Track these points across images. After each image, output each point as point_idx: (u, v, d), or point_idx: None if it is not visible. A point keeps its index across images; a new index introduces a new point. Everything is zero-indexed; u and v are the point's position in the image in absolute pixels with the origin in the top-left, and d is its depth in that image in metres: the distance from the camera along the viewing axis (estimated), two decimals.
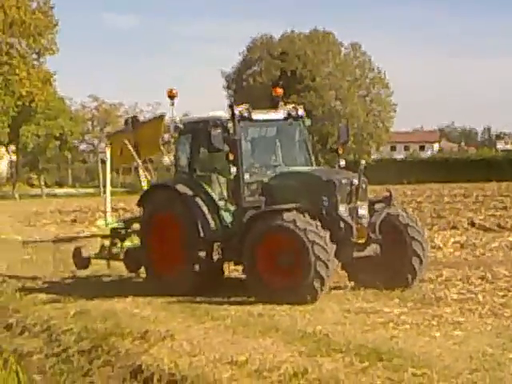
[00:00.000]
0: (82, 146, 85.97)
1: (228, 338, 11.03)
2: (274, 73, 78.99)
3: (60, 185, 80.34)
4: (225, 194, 14.80)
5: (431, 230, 23.70)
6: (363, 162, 14.32)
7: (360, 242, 13.60)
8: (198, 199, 14.58)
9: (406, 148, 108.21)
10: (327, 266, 12.91)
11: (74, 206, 43.53)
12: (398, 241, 13.97)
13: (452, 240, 20.92)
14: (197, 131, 15.03)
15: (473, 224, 25.14)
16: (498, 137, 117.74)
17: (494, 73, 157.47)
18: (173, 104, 15.49)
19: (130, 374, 9.18)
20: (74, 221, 34.10)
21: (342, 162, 15.32)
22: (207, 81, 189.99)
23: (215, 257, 14.39)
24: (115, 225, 17.68)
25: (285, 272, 13.32)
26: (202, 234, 14.37)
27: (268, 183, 14.49)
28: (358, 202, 13.83)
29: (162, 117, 17.97)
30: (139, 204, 15.88)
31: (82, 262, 17.11)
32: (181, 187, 14.74)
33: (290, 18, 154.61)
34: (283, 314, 12.41)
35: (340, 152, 15.43)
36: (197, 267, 14.33)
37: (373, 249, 13.82)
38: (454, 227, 24.56)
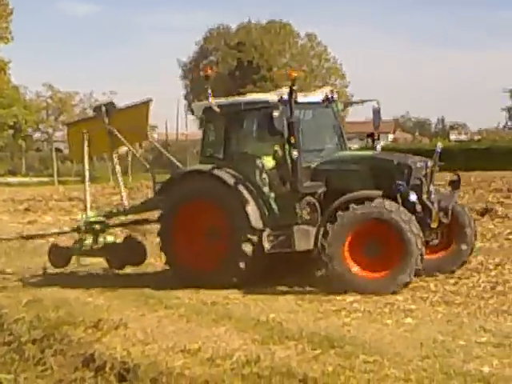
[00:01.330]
0: (36, 135, 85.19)
1: (181, 326, 11.04)
2: (230, 63, 79.02)
3: (13, 173, 79.41)
4: (268, 180, 14.00)
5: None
6: (440, 144, 14.17)
7: (433, 227, 13.36)
8: (241, 185, 13.84)
9: (361, 138, 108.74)
10: (422, 260, 12.75)
11: (28, 194, 42.96)
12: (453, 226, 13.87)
13: None
14: (237, 114, 14.45)
15: None
16: (452, 127, 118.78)
17: (450, 64, 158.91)
18: (206, 85, 14.40)
19: (82, 362, 9.09)
20: (28, 209, 33.68)
21: (379, 146, 15.18)
22: (164, 70, 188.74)
23: (267, 246, 13.57)
24: (93, 219, 16.51)
25: (375, 263, 12.92)
26: (252, 223, 13.64)
27: (322, 168, 14.01)
28: (431, 186, 13.66)
29: (148, 102, 16.97)
30: (160, 192, 14.96)
31: (60, 259, 15.99)
32: (221, 173, 13.96)
33: (247, 8, 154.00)
34: (237, 302, 12.47)
35: (375, 136, 15.26)
36: (246, 258, 13.60)
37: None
38: None
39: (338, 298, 12.38)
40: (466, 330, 10.21)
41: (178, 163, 16.27)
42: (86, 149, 16.52)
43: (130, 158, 61.43)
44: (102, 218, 16.60)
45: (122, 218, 17.13)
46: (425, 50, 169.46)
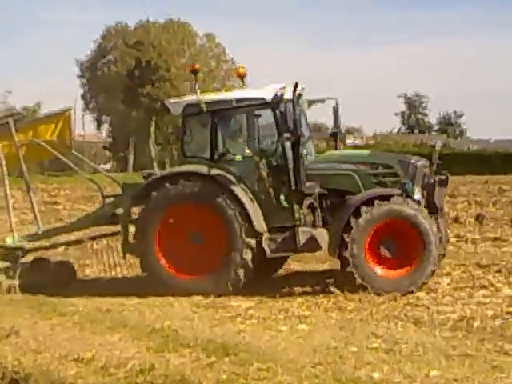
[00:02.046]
0: None
1: (75, 334, 10.92)
2: (128, 62, 78.32)
3: None
4: (264, 181, 13.56)
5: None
6: (440, 142, 14.21)
7: None
8: (238, 188, 13.37)
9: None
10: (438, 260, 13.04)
11: None
12: None
13: None
14: (227, 112, 14.04)
15: None
16: (348, 132, 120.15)
17: (347, 67, 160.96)
18: (196, 81, 14.24)
19: None
20: None
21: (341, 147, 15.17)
22: (61, 68, 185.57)
23: (268, 250, 13.30)
24: (20, 244, 15.03)
25: (395, 261, 13.12)
26: (255, 227, 13.26)
27: (316, 168, 13.82)
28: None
29: (68, 111, 16.19)
30: (139, 196, 14.00)
31: None
32: (215, 174, 13.40)
33: (147, 6, 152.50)
34: (132, 309, 12.41)
35: (339, 136, 15.21)
36: (245, 264, 13.20)
37: None
38: None
39: (234, 304, 12.51)
40: (358, 335, 10.39)
41: (74, 166, 15.92)
42: (4, 168, 15.50)
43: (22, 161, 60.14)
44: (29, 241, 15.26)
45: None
46: (321, 52, 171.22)
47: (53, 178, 59.66)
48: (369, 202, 13.01)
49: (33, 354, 9.81)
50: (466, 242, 19.15)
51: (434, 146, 14.98)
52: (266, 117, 13.89)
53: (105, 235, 15.26)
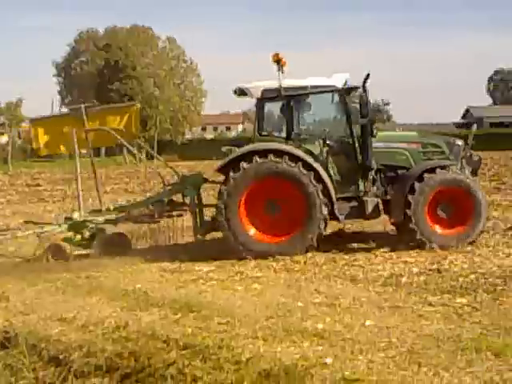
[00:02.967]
0: None
1: (58, 298, 10.79)
2: (99, 63, 77.68)
3: None
4: (337, 155, 13.62)
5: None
6: (475, 125, 14.35)
7: None
8: (315, 162, 13.16)
9: (215, 129, 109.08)
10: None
11: None
12: None
13: None
14: (303, 96, 13.83)
15: None
16: None
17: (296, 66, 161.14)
18: (279, 69, 13.38)
19: None
20: None
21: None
22: (39, 69, 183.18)
23: (341, 216, 13.36)
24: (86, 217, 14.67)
25: (451, 222, 13.26)
26: (331, 196, 13.12)
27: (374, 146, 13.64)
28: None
29: (136, 106, 16.04)
30: (221, 170, 13.51)
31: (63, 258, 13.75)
32: (294, 151, 13.12)
33: (114, 12, 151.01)
34: (107, 275, 12.25)
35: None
36: (319, 229, 13.03)
37: None
38: None
39: (197, 268, 12.42)
40: (304, 292, 10.43)
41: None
42: (76, 146, 15.06)
43: (10, 148, 59.50)
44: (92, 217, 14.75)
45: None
46: (263, 52, 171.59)
47: (35, 163, 59.08)
48: (430, 171, 13.19)
49: (21, 315, 9.71)
50: None
51: (470, 127, 15.13)
52: (334, 101, 13.81)
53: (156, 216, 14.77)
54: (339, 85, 13.57)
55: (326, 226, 13.27)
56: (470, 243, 13.16)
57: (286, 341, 8.05)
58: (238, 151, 13.43)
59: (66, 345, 8.11)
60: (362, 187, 13.57)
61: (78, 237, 14.31)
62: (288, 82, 13.56)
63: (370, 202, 13.48)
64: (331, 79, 13.73)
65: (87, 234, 14.32)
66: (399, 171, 13.78)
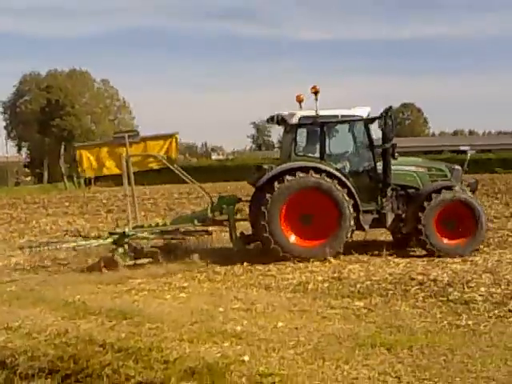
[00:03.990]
0: None
1: (4, 309, 10.41)
2: (41, 101, 76.41)
3: None
4: (362, 174, 13.91)
5: (164, 219, 23.87)
6: (470, 150, 14.38)
7: None
8: (345, 178, 13.47)
9: None
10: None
11: None
12: None
13: None
14: (334, 124, 13.96)
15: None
16: (213, 149, 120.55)
17: (213, 103, 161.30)
18: (316, 99, 13.67)
19: None
20: None
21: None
22: None
23: (365, 226, 13.64)
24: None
25: (454, 234, 13.45)
26: (359, 208, 13.42)
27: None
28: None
29: (176, 134, 15.47)
30: (261, 187, 13.48)
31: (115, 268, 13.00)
32: (328, 168, 13.42)
33: (54, 56, 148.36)
34: (50, 288, 11.89)
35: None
36: (347, 235, 13.30)
37: None
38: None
39: (130, 281, 12.20)
40: (224, 299, 10.38)
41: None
42: (125, 169, 14.49)
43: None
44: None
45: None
46: (191, 93, 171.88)
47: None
48: (437, 191, 13.58)
49: None
50: None
51: (465, 153, 15.48)
52: (359, 129, 14.09)
53: (196, 232, 14.52)
54: (364, 115, 13.95)
55: (351, 235, 13.56)
56: (474, 251, 13.46)
57: (208, 342, 8.00)
58: (279, 168, 13.64)
59: (12, 351, 7.89)
60: (380, 202, 13.86)
61: (121, 249, 13.58)
62: (323, 112, 13.93)
63: (390, 215, 13.87)
64: (356, 110, 14.09)
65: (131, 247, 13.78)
66: (409, 190, 14.13)
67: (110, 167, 15.06)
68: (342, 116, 14.01)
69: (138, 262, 13.34)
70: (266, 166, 14.04)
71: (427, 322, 8.67)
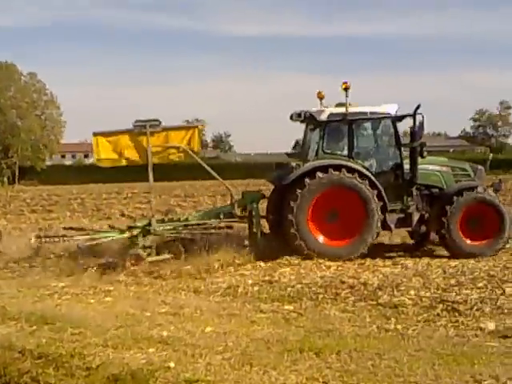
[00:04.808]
0: None
1: None
2: None
3: None
4: (388, 173, 13.96)
5: (92, 219, 23.54)
6: (491, 155, 15.44)
7: None
8: (373, 176, 13.51)
9: (74, 156, 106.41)
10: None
11: None
12: None
13: None
14: (363, 121, 14.01)
15: (123, 215, 25.32)
16: None
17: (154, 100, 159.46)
18: (347, 95, 13.61)
19: None
20: None
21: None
22: None
23: (392, 225, 13.68)
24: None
25: (478, 233, 13.61)
26: (387, 207, 13.46)
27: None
28: None
29: (199, 125, 15.06)
30: (291, 183, 13.41)
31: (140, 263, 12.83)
32: (356, 166, 13.43)
33: None
34: None
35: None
36: (374, 234, 13.42)
37: None
38: (109, 218, 24.51)
39: (52, 284, 11.93)
40: (152, 303, 10.29)
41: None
42: (150, 159, 13.80)
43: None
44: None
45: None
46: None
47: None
48: (459, 193, 13.69)
49: None
50: None
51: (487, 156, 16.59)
52: (387, 126, 14.13)
53: (219, 227, 14.20)
54: (392, 113, 13.93)
55: (377, 236, 13.67)
56: (498, 251, 13.71)
57: (133, 348, 7.89)
58: (308, 165, 13.61)
59: None
60: (406, 201, 13.90)
61: (142, 243, 13.26)
62: (352, 109, 13.87)
63: (415, 215, 13.93)
64: (384, 107, 14.09)
65: (148, 242, 13.38)
66: (433, 190, 14.25)
67: (130, 157, 14.18)
68: (371, 113, 14.09)
69: (161, 257, 13.14)
70: (293, 164, 14.02)
71: (356, 326, 8.79)
